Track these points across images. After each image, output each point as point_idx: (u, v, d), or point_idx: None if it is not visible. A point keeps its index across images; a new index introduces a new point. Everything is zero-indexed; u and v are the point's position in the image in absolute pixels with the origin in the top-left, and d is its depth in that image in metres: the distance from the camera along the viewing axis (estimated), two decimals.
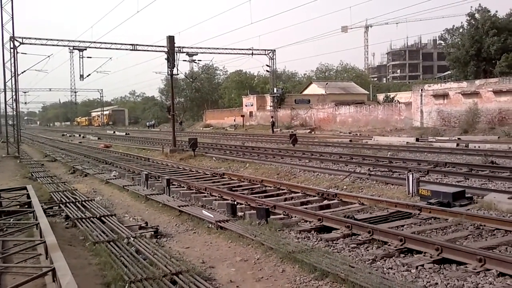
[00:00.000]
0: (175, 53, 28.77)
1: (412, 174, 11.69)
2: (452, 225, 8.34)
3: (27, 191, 11.36)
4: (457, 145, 24.43)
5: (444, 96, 37.12)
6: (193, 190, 13.46)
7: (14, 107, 33.59)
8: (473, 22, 43.63)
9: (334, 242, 7.76)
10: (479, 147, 22.80)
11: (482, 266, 6.08)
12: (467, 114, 34.37)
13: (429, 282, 5.88)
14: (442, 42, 54.18)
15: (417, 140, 28.41)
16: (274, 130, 50.22)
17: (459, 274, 6.02)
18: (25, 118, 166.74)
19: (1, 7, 27.99)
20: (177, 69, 28.81)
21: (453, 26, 48.22)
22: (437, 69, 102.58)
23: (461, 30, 46.50)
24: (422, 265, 6.37)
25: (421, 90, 39.55)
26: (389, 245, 7.24)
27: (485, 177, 13.41)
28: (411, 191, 11.40)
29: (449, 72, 60.74)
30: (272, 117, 55.34)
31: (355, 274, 5.74)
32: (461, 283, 5.75)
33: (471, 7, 44.80)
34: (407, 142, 27.44)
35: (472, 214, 8.78)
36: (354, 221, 8.41)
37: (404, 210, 9.55)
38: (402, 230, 8.18)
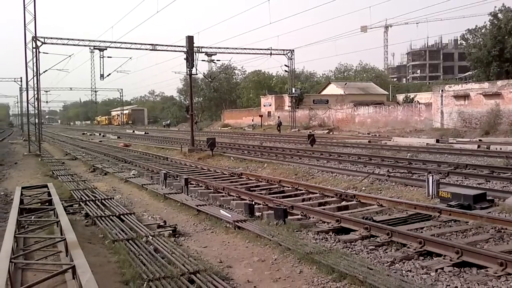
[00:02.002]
0: (194, 53, 28.91)
1: (432, 175, 11.54)
2: (473, 228, 8.23)
3: (48, 189, 11.53)
4: (478, 146, 24.06)
5: (465, 97, 36.61)
6: (211, 189, 13.51)
7: (36, 106, 34.11)
8: (496, 22, 42.87)
9: (352, 243, 7.72)
10: (500, 149, 22.42)
11: (503, 270, 5.99)
12: (488, 115, 33.84)
13: (449, 285, 5.81)
14: (463, 42, 53.27)
15: (437, 141, 28.06)
16: (281, 130, 50.84)
17: (480, 278, 5.94)
18: (46, 117, 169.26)
19: (24, 8, 28.41)
20: (196, 69, 28.98)
21: (475, 26, 47.44)
22: (458, 69, 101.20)
23: (483, 30, 45.76)
24: (442, 268, 6.30)
25: (442, 90, 39.06)
26: (408, 247, 7.17)
27: (506, 180, 13.19)
28: (431, 193, 11.27)
29: (470, 72, 59.85)
30: (278, 117, 56.64)
31: (373, 276, 5.70)
32: (482, 287, 5.66)
33: (495, 7, 43.98)
34: (427, 143, 27.13)
35: (493, 217, 8.64)
36: (372, 222, 8.35)
37: (423, 212, 9.45)
38: (422, 232, 8.10)
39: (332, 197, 11.70)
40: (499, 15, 43.00)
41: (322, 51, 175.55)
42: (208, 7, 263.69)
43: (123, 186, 15.28)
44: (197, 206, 10.60)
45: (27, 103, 33.80)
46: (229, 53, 47.47)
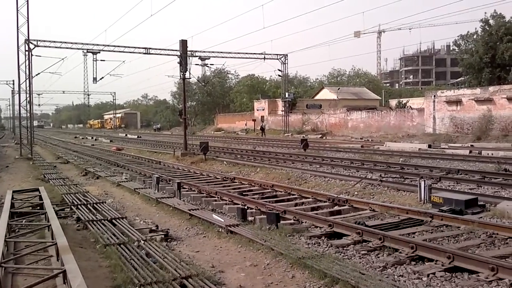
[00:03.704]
0: (188, 57, 28.86)
1: (424, 180, 11.60)
2: (464, 233, 8.26)
3: (40, 192, 11.48)
4: (470, 152, 24.20)
5: (457, 102, 36.84)
6: (203, 194, 13.48)
7: (28, 109, 33.92)
8: (487, 28, 43.26)
9: (345, 248, 7.72)
10: (492, 154, 22.56)
11: (494, 275, 6.01)
12: (480, 120, 34.05)
13: None
14: (455, 48, 53.72)
15: (429, 146, 28.18)
16: (264, 134, 52.11)
17: (471, 283, 5.96)
18: (42, 120, 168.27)
19: (17, 10, 28.30)
20: (190, 73, 28.89)
21: (467, 32, 47.83)
22: (450, 75, 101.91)
23: (475, 36, 46.14)
24: (434, 273, 6.31)
25: (434, 96, 39.29)
26: (400, 252, 7.19)
27: (498, 185, 13.26)
28: (423, 198, 11.31)
29: (462, 78, 60.30)
30: (263, 122, 57.94)
31: (365, 281, 5.70)
32: None
33: (485, 13, 44.48)
34: (419, 149, 27.24)
35: (484, 222, 8.68)
36: (365, 227, 8.35)
37: (415, 217, 9.47)
38: (414, 237, 8.12)
39: (324, 201, 11.70)
40: (491, 21, 43.41)
41: (316, 56, 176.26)
42: (202, 11, 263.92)
43: (115, 190, 15.21)
44: (189, 210, 10.57)
45: (19, 106, 33.65)
46: (223, 57, 47.51)
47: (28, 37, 31.64)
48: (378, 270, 6.57)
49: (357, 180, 14.66)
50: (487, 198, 11.26)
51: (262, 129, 54.14)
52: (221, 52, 46.91)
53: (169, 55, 39.72)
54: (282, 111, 58.17)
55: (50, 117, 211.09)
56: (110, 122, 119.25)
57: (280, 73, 54.45)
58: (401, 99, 63.01)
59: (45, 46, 37.71)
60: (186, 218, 10.32)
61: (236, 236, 8.38)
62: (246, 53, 49.16)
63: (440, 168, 17.22)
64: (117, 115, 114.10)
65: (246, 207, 10.76)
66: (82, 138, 61.39)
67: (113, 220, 9.56)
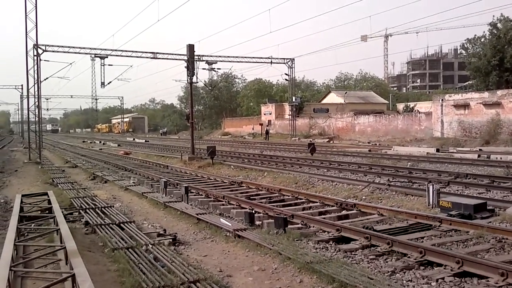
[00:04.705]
0: (195, 61, 28.96)
1: (433, 185, 11.54)
2: (474, 238, 8.21)
3: (48, 196, 11.54)
4: (479, 156, 24.05)
5: (465, 106, 36.68)
6: (211, 198, 13.49)
7: (37, 113, 34.14)
8: (495, 32, 43.02)
9: (353, 253, 7.70)
10: (501, 158, 22.41)
11: (504, 280, 5.97)
12: (488, 124, 33.89)
13: None
14: (463, 51, 53.44)
15: (437, 150, 28.05)
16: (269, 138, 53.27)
17: None
18: (53, 124, 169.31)
19: (26, 16, 28.54)
20: (197, 77, 28.97)
21: (475, 35, 47.52)
22: (458, 79, 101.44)
23: (482, 40, 45.89)
24: (443, 278, 6.28)
25: (442, 100, 39.13)
26: (409, 257, 7.16)
27: (507, 189, 13.16)
28: (431, 203, 11.25)
29: (470, 82, 59.97)
30: (267, 126, 59.47)
31: (374, 286, 5.68)
32: None
33: (493, 16, 44.21)
34: (427, 153, 27.11)
35: (494, 227, 8.62)
36: (373, 232, 8.33)
37: (424, 221, 9.42)
38: (422, 242, 8.09)
39: (332, 206, 11.68)
40: (498, 24, 43.15)
41: (323, 60, 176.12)
42: (209, 16, 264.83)
43: (123, 194, 15.26)
44: (197, 214, 10.58)
45: (28, 110, 33.89)
46: (230, 61, 47.73)
47: (37, 42, 31.89)
48: (386, 275, 6.55)
49: (365, 185, 14.62)
50: (496, 202, 11.19)
51: (267, 132, 54.53)
52: (228, 57, 47.09)
53: (176, 59, 39.97)
54: (289, 115, 58.19)
55: (58, 121, 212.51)
56: (118, 126, 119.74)
57: (287, 77, 54.53)
58: (408, 103, 62.85)
59: (53, 51, 38.06)
60: (193, 222, 10.33)
61: (243, 241, 8.38)
62: (253, 57, 49.27)
63: (449, 172, 17.14)
64: (125, 120, 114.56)
65: (253, 211, 10.76)
66: (90, 143, 61.62)
67: (121, 224, 9.58)
